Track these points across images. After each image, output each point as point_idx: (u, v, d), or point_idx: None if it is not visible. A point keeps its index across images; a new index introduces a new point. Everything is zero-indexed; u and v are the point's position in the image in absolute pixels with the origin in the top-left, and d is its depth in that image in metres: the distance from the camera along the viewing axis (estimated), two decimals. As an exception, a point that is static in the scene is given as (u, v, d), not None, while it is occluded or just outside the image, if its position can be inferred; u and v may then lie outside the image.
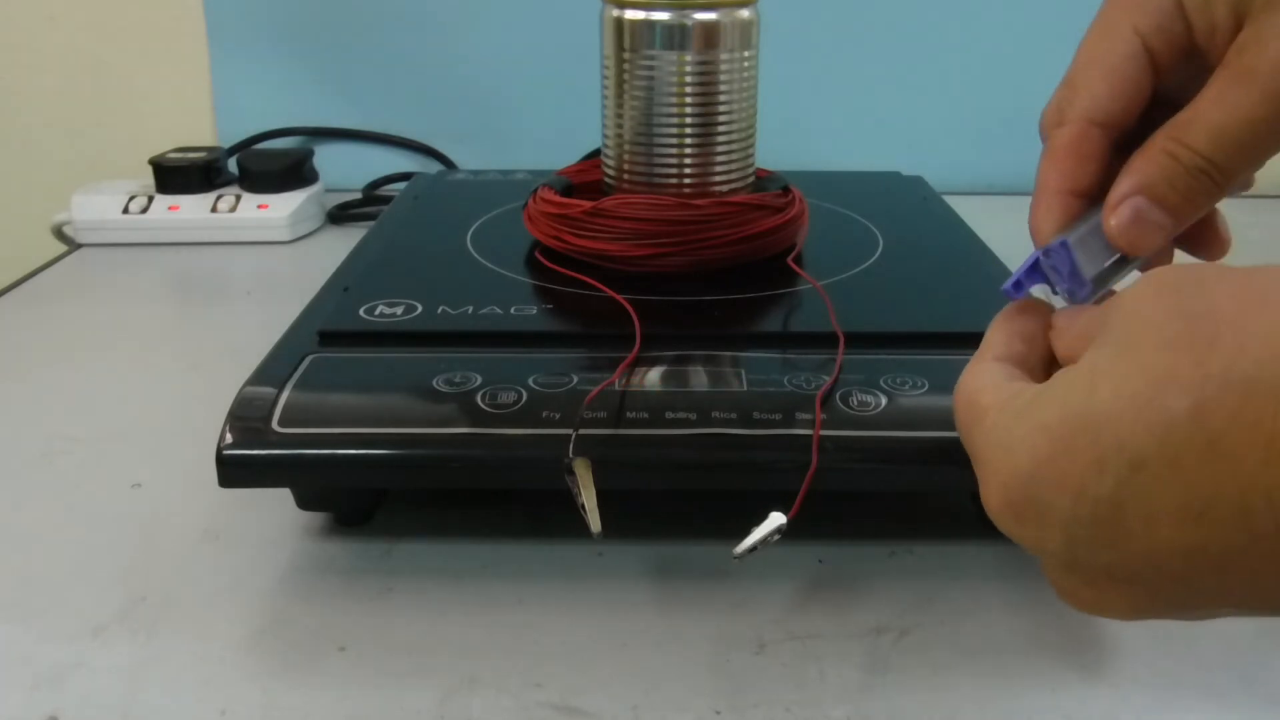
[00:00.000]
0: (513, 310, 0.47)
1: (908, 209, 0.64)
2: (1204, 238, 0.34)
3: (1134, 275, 0.31)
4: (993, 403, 0.29)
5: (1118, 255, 0.32)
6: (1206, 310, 0.24)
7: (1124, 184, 0.31)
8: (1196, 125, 0.30)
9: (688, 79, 0.51)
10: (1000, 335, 0.32)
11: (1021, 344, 0.32)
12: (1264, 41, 0.29)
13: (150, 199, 0.77)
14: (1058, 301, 0.33)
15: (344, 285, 0.50)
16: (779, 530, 0.34)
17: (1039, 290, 0.33)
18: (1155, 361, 0.24)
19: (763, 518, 0.35)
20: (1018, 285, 0.33)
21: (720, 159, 0.52)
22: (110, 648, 0.36)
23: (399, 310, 0.47)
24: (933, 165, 0.76)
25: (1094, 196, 0.32)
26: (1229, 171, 0.30)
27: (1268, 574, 0.23)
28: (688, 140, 0.52)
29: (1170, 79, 0.32)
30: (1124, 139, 0.32)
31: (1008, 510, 0.27)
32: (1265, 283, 0.24)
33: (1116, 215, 0.31)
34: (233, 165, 0.81)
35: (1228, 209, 0.33)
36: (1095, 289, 0.32)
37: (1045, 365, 0.31)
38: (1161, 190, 0.30)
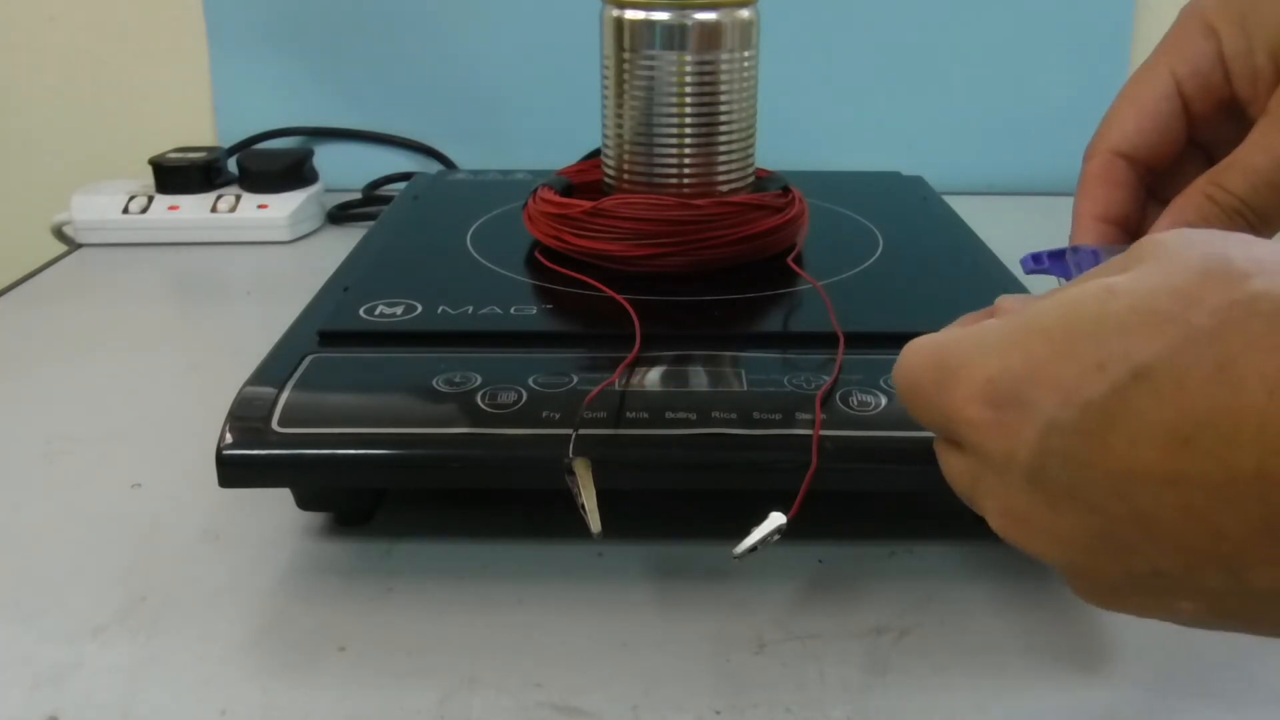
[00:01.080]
0: (513, 310, 0.47)
1: (908, 209, 0.64)
2: None
3: None
4: (966, 332, 0.27)
5: None
6: (1246, 254, 0.23)
7: (1163, 222, 0.31)
8: (1235, 169, 0.30)
9: (688, 79, 0.51)
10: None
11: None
12: None
13: (150, 199, 0.77)
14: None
15: (344, 285, 0.50)
16: (779, 530, 0.34)
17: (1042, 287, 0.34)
18: (1185, 284, 0.23)
19: (763, 518, 0.35)
20: (1036, 258, 0.33)
21: (720, 159, 0.52)
22: (110, 648, 0.36)
23: (399, 310, 0.47)
24: (933, 165, 0.76)
25: (1129, 229, 0.33)
26: (1265, 215, 0.30)
27: (1230, 532, 0.22)
28: (688, 140, 0.52)
29: (1207, 126, 0.32)
30: (1157, 180, 0.33)
31: (986, 405, 0.25)
32: None
33: None
34: (233, 165, 0.81)
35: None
36: None
37: None
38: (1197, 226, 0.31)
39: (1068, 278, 0.33)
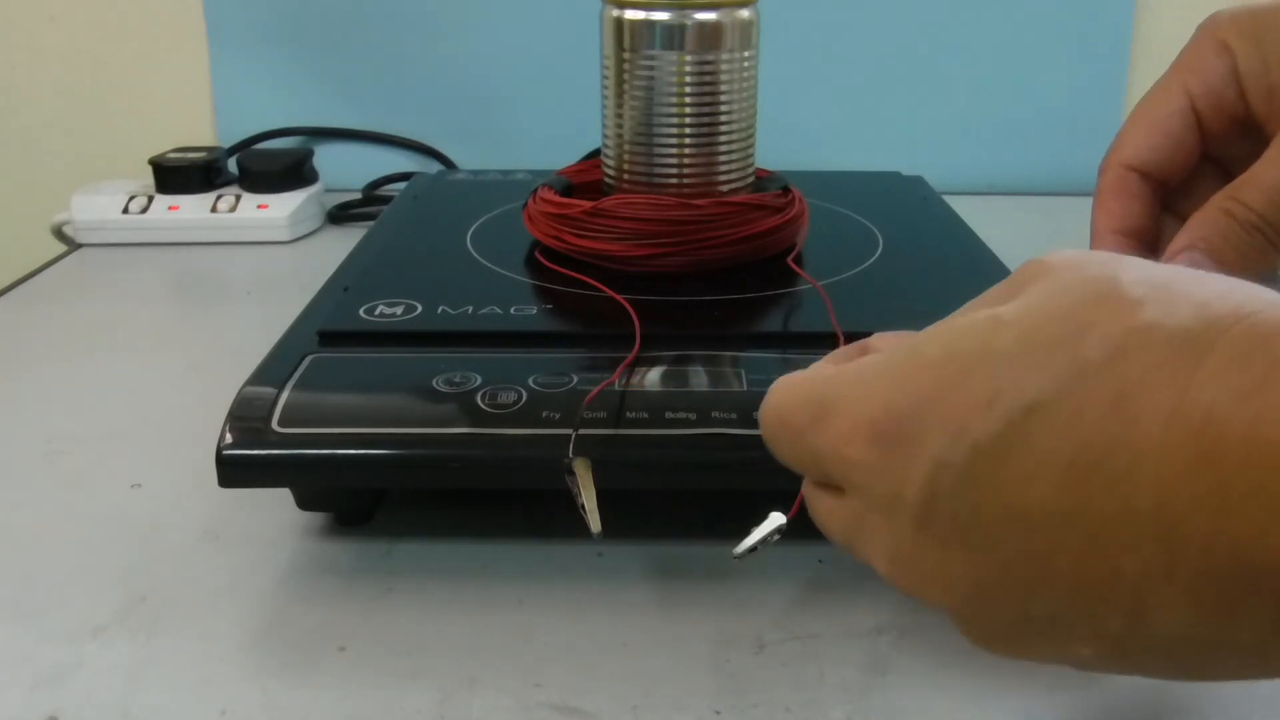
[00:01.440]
0: (513, 310, 0.47)
1: (908, 209, 0.64)
2: None
3: None
4: (835, 374, 0.26)
5: None
6: (1135, 277, 0.22)
7: (1182, 238, 0.31)
8: (1252, 184, 0.30)
9: (687, 79, 0.51)
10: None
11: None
12: None
13: (150, 199, 0.77)
14: None
15: (344, 285, 0.50)
16: (779, 530, 0.34)
17: None
18: (1073, 311, 0.22)
19: (763, 518, 0.34)
20: None
21: (720, 159, 0.52)
22: (110, 648, 0.36)
23: (399, 310, 0.47)
24: (933, 165, 0.76)
25: (1146, 241, 0.33)
26: (1270, 221, 0.30)
27: (1129, 572, 0.21)
28: (688, 140, 0.52)
29: (1221, 143, 0.32)
30: (1172, 195, 0.33)
31: (869, 444, 0.24)
32: (1199, 271, 0.23)
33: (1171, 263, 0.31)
34: (233, 165, 0.81)
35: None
36: None
37: None
38: (1216, 244, 0.30)
39: None
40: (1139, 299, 0.22)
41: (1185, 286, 0.22)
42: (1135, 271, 0.22)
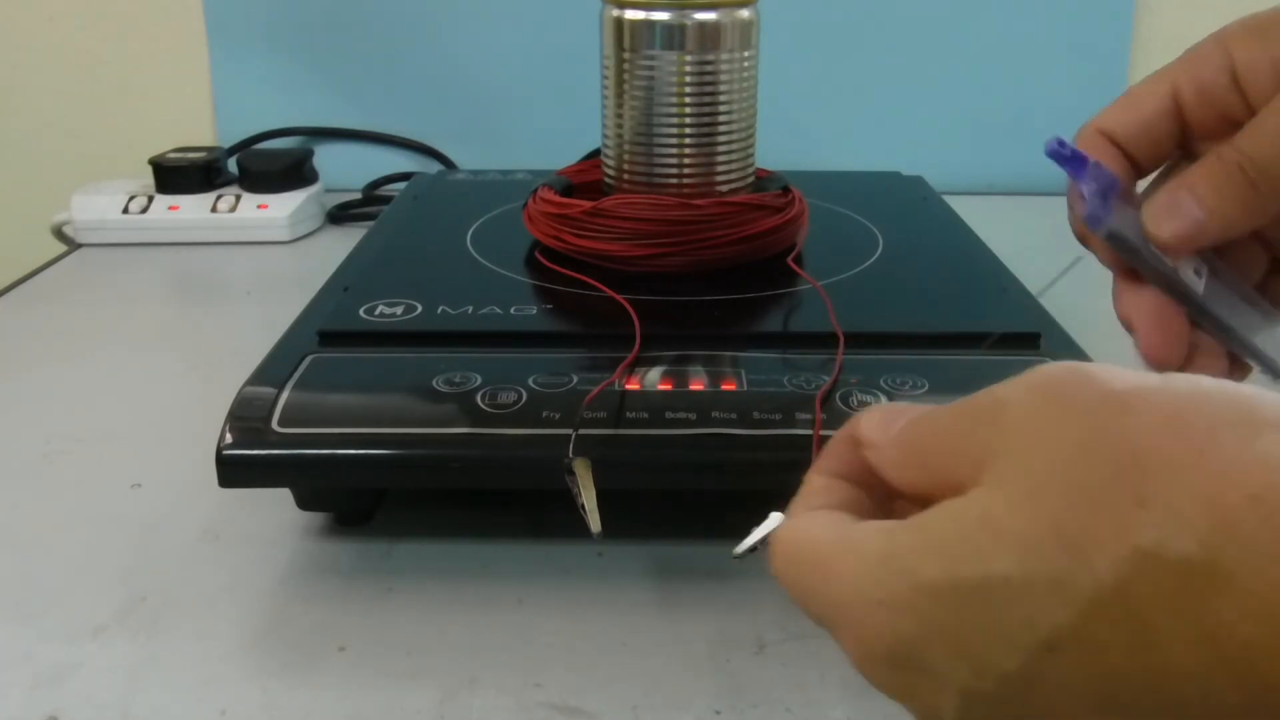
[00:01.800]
0: (513, 310, 0.47)
1: (907, 209, 0.64)
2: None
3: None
4: (842, 550, 0.25)
5: (1146, 243, 0.32)
6: (1128, 453, 0.20)
7: (1170, 181, 0.31)
8: (1245, 130, 0.30)
9: (687, 79, 0.51)
10: (821, 480, 0.28)
11: (851, 486, 0.28)
12: None
13: (150, 199, 0.77)
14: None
15: (344, 285, 0.50)
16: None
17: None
18: (1069, 520, 0.20)
19: (763, 518, 0.34)
20: (1061, 145, 0.33)
21: (720, 159, 0.52)
22: (110, 648, 0.36)
23: (399, 310, 0.47)
24: (932, 165, 0.76)
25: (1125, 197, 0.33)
26: (1267, 172, 0.29)
27: None
28: (687, 140, 0.52)
29: (1209, 136, 0.32)
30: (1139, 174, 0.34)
31: (888, 667, 0.24)
32: (1193, 418, 0.20)
33: (1153, 199, 0.31)
34: (233, 165, 0.81)
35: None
36: (1110, 233, 0.32)
37: (884, 503, 0.27)
38: (1197, 182, 0.30)
39: (1077, 181, 0.33)
40: (1138, 495, 0.20)
41: (1187, 467, 0.19)
42: (1120, 438, 0.20)
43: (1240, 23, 0.32)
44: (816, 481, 0.29)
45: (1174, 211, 0.31)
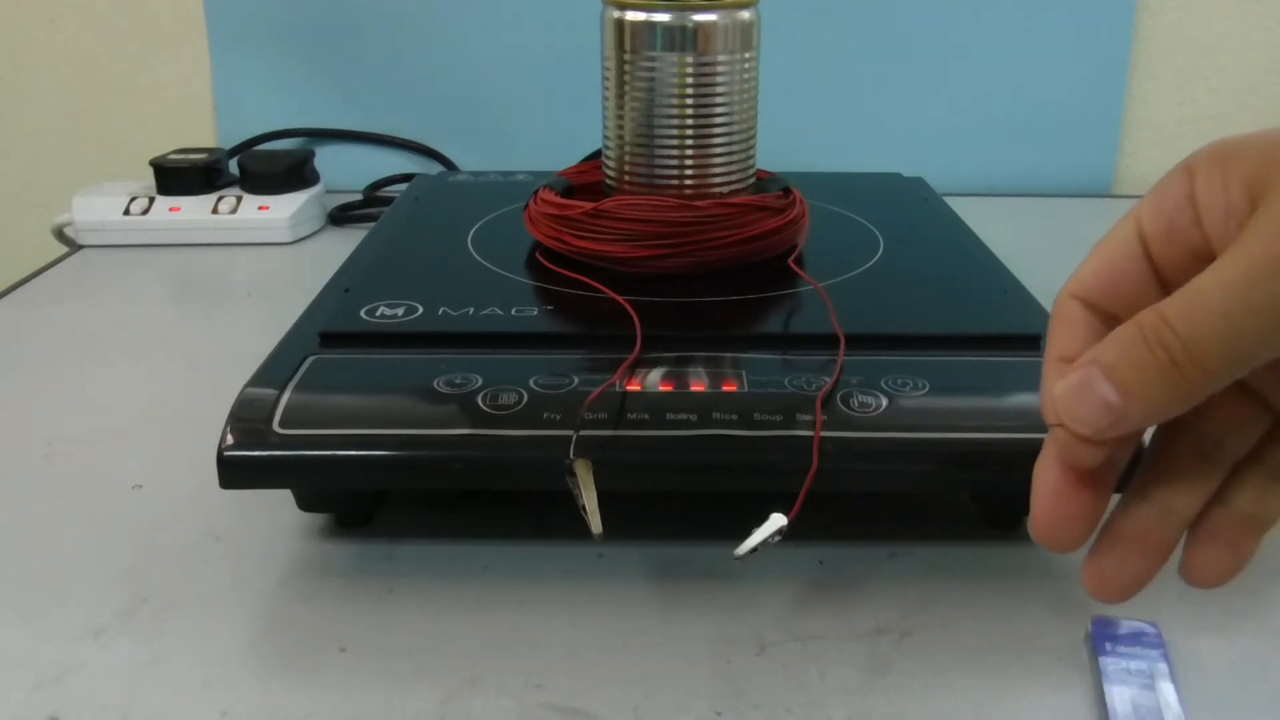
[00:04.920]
0: (514, 311, 0.47)
1: (908, 210, 0.64)
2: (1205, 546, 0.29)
3: None
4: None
5: None
6: None
7: (1089, 353, 0.27)
8: (1177, 295, 0.25)
9: (688, 80, 0.51)
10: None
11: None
12: (1268, 216, 0.25)
13: (151, 200, 0.77)
14: None
15: (345, 286, 0.50)
16: (780, 531, 0.35)
17: None
18: None
19: (763, 519, 0.35)
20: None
21: (721, 160, 0.53)
22: (111, 649, 0.36)
23: (400, 311, 0.47)
24: (933, 166, 0.76)
25: None
26: (1198, 355, 0.25)
27: None
28: (688, 141, 0.52)
29: (1178, 272, 0.28)
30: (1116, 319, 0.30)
31: None
32: None
33: (1064, 380, 0.27)
34: (234, 166, 0.81)
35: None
36: None
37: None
38: (1113, 360, 0.26)
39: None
40: None
41: None
42: None
43: (1208, 148, 0.29)
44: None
45: (1085, 396, 0.27)
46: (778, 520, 0.34)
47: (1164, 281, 0.29)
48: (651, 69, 0.51)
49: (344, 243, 0.73)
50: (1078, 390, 0.27)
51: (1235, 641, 0.37)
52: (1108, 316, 0.30)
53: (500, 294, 0.49)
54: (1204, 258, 0.27)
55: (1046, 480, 0.29)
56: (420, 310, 0.47)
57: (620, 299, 0.46)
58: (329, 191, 0.83)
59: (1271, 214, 0.25)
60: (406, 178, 0.86)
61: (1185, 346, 0.25)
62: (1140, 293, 0.29)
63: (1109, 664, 0.34)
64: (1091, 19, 0.86)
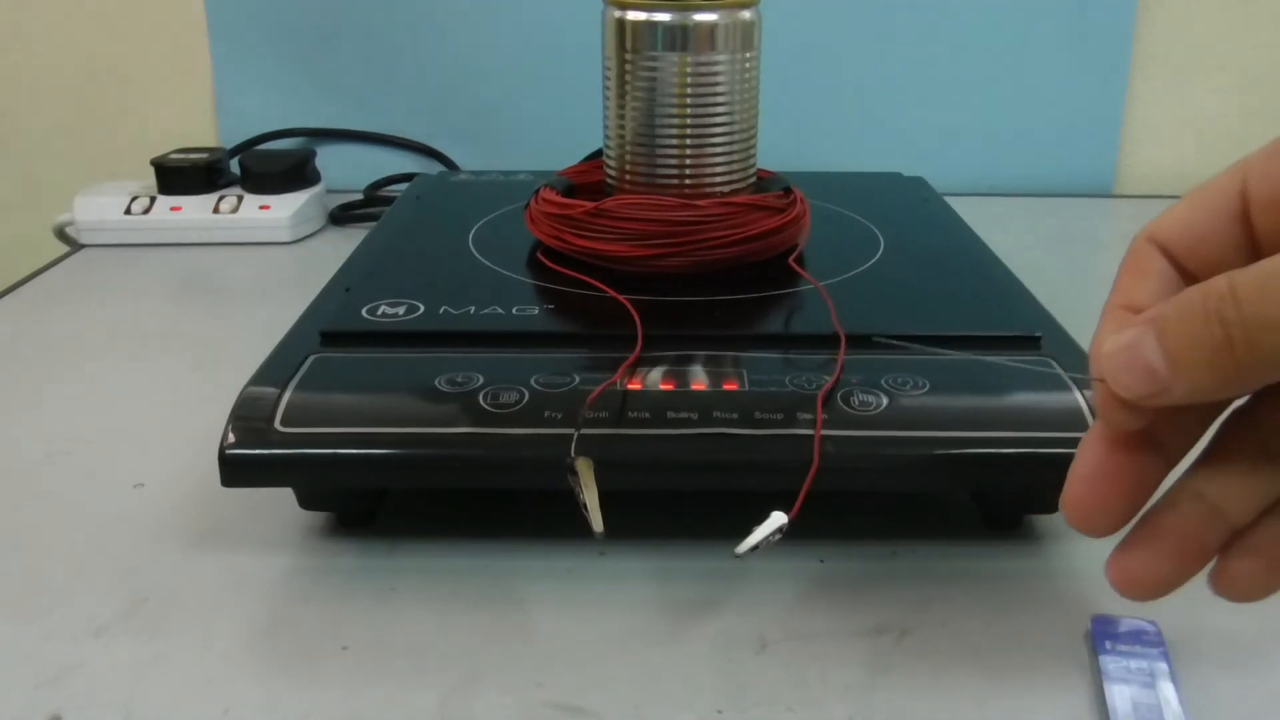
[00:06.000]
0: (515, 310, 0.47)
1: (909, 210, 0.64)
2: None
3: None
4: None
5: None
6: None
7: (1153, 310, 0.25)
8: (1255, 267, 0.23)
9: (689, 80, 0.51)
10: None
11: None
12: None
13: (152, 200, 0.77)
14: None
15: (346, 286, 0.51)
16: (780, 530, 0.35)
17: None
18: None
19: (764, 517, 0.35)
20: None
21: (722, 160, 0.53)
22: (113, 647, 0.36)
23: (401, 310, 0.47)
24: (934, 166, 0.76)
25: None
26: (1256, 341, 0.22)
27: None
28: (689, 141, 0.52)
29: (1272, 242, 0.26)
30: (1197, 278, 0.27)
31: None
32: None
33: (1117, 335, 0.25)
34: (235, 166, 0.81)
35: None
36: None
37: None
38: (1168, 325, 0.24)
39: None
40: None
41: None
42: None
43: None
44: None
45: (1133, 357, 0.24)
46: (778, 518, 0.35)
47: (1259, 252, 0.26)
48: (652, 69, 0.51)
49: (345, 242, 0.73)
50: (1127, 350, 0.24)
51: (1235, 641, 0.37)
52: (1186, 273, 0.27)
53: (501, 293, 0.49)
54: None
55: (1088, 458, 0.27)
56: (421, 309, 0.47)
57: (621, 298, 0.46)
58: (330, 191, 0.83)
59: None
60: (407, 177, 0.86)
61: (1245, 327, 0.22)
62: (1227, 258, 0.26)
63: (1109, 662, 0.34)
64: (1092, 19, 0.86)
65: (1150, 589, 0.27)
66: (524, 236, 0.55)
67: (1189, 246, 0.27)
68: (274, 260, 0.74)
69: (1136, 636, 0.36)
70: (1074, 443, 0.28)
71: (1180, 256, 0.27)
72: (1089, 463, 0.27)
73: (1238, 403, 0.27)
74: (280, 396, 0.40)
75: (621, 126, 0.53)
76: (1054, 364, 0.42)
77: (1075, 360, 0.42)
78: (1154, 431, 0.27)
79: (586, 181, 0.57)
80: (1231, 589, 0.27)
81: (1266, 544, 0.26)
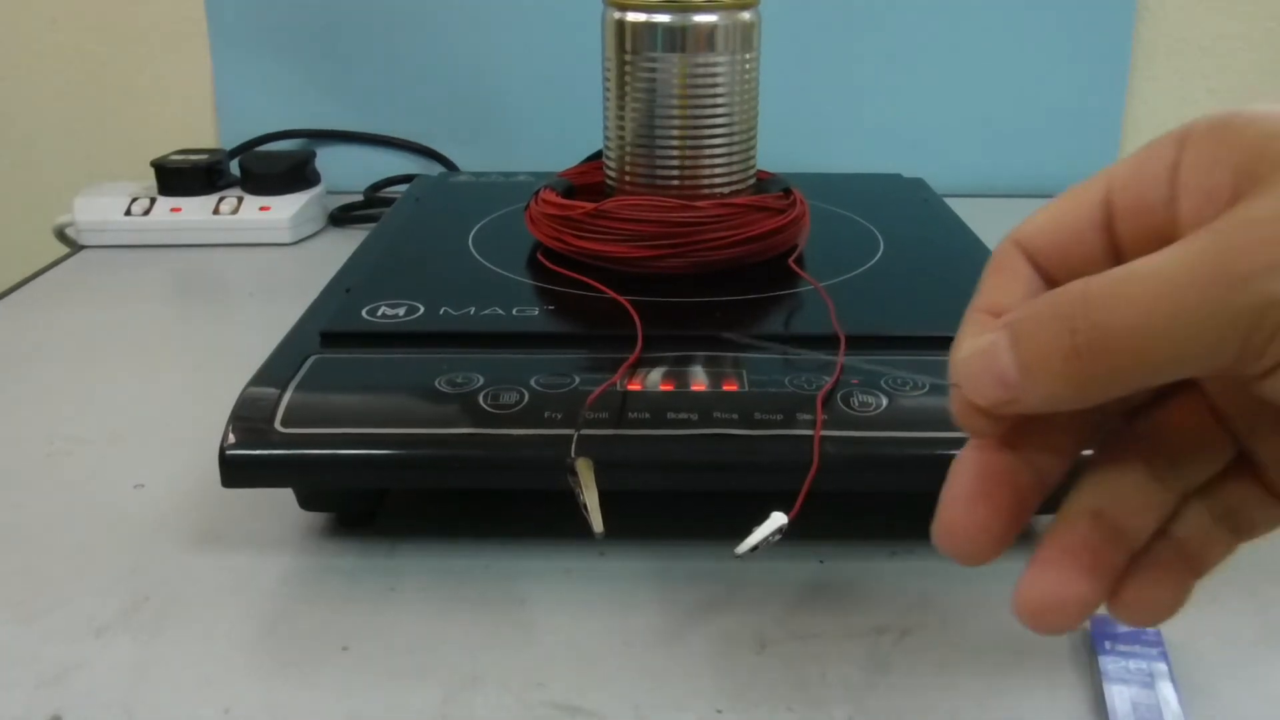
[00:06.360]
0: (515, 311, 0.47)
1: (908, 211, 0.64)
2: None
3: None
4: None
5: None
6: None
7: (1011, 314, 0.24)
8: (1110, 274, 0.22)
9: (689, 81, 0.51)
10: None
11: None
12: (1239, 217, 0.21)
13: (152, 201, 0.77)
14: None
15: (346, 286, 0.51)
16: (780, 530, 0.35)
17: None
18: None
19: (764, 518, 0.35)
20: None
21: (721, 161, 0.53)
22: (113, 647, 0.36)
23: (401, 311, 0.47)
24: (933, 167, 0.76)
25: None
26: (1107, 349, 0.21)
27: None
28: (689, 142, 0.52)
29: (1134, 250, 0.25)
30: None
31: None
32: None
33: (975, 339, 0.25)
34: (235, 167, 0.81)
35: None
36: None
37: None
38: (1022, 331, 0.23)
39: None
40: None
41: None
42: None
43: (1208, 118, 0.24)
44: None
45: (988, 363, 0.24)
46: (778, 519, 0.35)
47: (1123, 261, 0.24)
48: (652, 69, 0.51)
49: (345, 243, 0.73)
50: (981, 355, 0.24)
51: (1235, 641, 0.37)
52: (1052, 279, 0.26)
53: (501, 294, 0.49)
54: (1168, 240, 0.23)
55: (961, 483, 0.26)
56: (421, 310, 0.47)
57: (621, 299, 0.46)
58: (330, 192, 0.83)
59: (1243, 215, 0.21)
60: (407, 178, 0.86)
61: (1094, 335, 0.21)
62: (1093, 266, 0.25)
63: (1108, 663, 0.34)
64: (1091, 19, 0.86)
65: (1066, 616, 0.25)
66: (524, 237, 0.55)
67: (1054, 252, 0.26)
68: (274, 261, 0.74)
69: (1136, 637, 0.36)
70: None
71: (1045, 262, 0.26)
72: (963, 484, 0.26)
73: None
74: (280, 397, 0.40)
75: (621, 127, 0.53)
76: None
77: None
78: (1029, 451, 0.26)
79: (586, 182, 0.57)
80: (1136, 613, 0.26)
81: (1164, 563, 0.26)
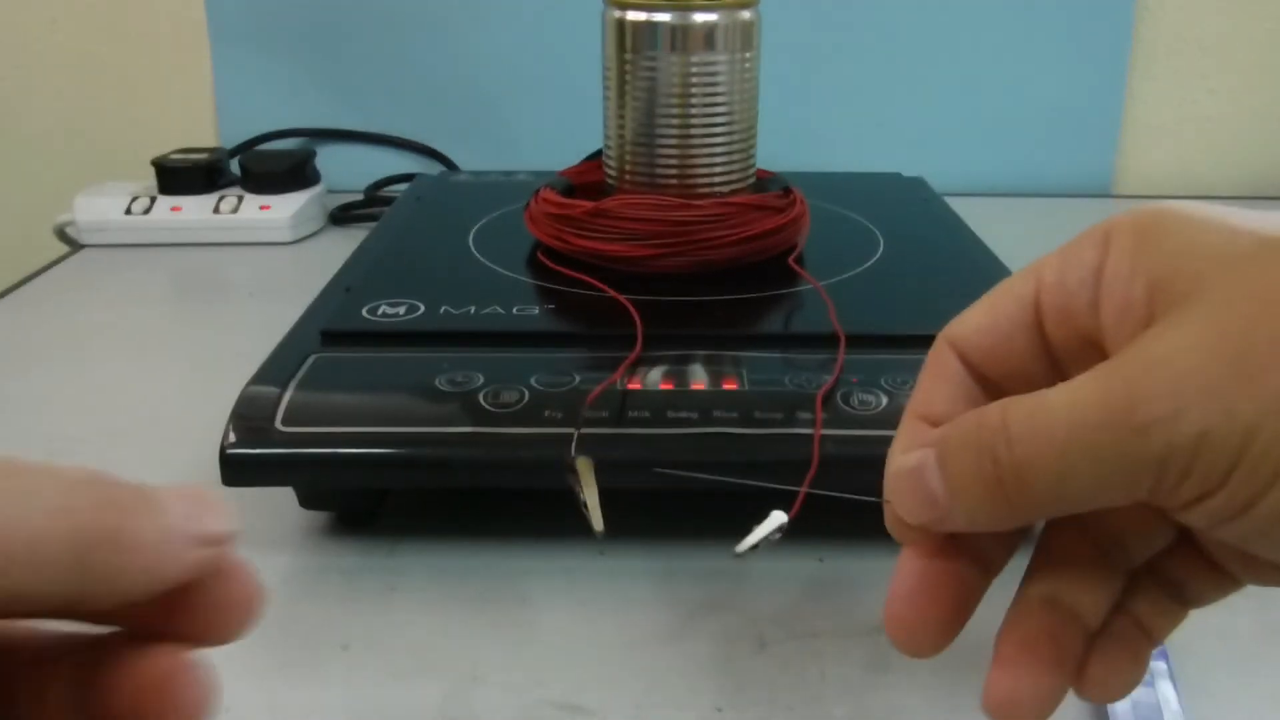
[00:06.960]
0: (515, 310, 0.47)
1: (908, 210, 0.64)
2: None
3: None
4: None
5: None
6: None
7: (942, 430, 0.24)
8: (1027, 401, 0.22)
9: (689, 80, 0.51)
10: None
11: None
12: (1150, 346, 0.21)
13: (153, 200, 0.77)
14: None
15: (346, 285, 0.51)
16: (780, 529, 0.34)
17: None
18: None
19: (763, 516, 0.35)
20: None
21: (721, 160, 0.53)
22: (114, 646, 0.36)
23: (401, 310, 0.47)
24: (933, 166, 0.76)
25: None
26: (1025, 482, 0.22)
27: None
28: (689, 141, 0.52)
29: (1067, 354, 0.25)
30: (1003, 386, 0.26)
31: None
32: None
33: (905, 455, 0.25)
34: (235, 166, 0.81)
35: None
36: None
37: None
38: (948, 453, 0.23)
39: None
40: None
41: None
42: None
43: (1132, 217, 0.24)
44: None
45: (916, 482, 0.24)
46: (778, 517, 0.34)
47: (1054, 359, 0.25)
48: (652, 69, 0.51)
49: (345, 242, 0.73)
50: (910, 475, 0.24)
51: (1235, 641, 0.37)
52: (985, 378, 0.26)
53: (501, 293, 0.49)
54: (1099, 350, 0.23)
55: (906, 576, 0.27)
56: (422, 309, 0.47)
57: (621, 298, 0.46)
58: (330, 191, 0.83)
59: (1146, 355, 0.21)
60: (407, 177, 0.86)
61: (1013, 467, 0.22)
62: (1026, 366, 0.25)
63: None
64: (1091, 19, 0.86)
65: (1036, 709, 0.25)
66: (524, 236, 0.55)
67: (986, 353, 0.26)
68: (274, 260, 0.74)
69: None
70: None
71: (977, 362, 0.26)
72: (907, 581, 0.27)
73: None
74: (281, 396, 0.40)
75: (621, 126, 0.53)
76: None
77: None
78: (973, 543, 0.26)
79: (586, 181, 0.57)
80: (1104, 691, 0.26)
81: (1122, 637, 0.26)
